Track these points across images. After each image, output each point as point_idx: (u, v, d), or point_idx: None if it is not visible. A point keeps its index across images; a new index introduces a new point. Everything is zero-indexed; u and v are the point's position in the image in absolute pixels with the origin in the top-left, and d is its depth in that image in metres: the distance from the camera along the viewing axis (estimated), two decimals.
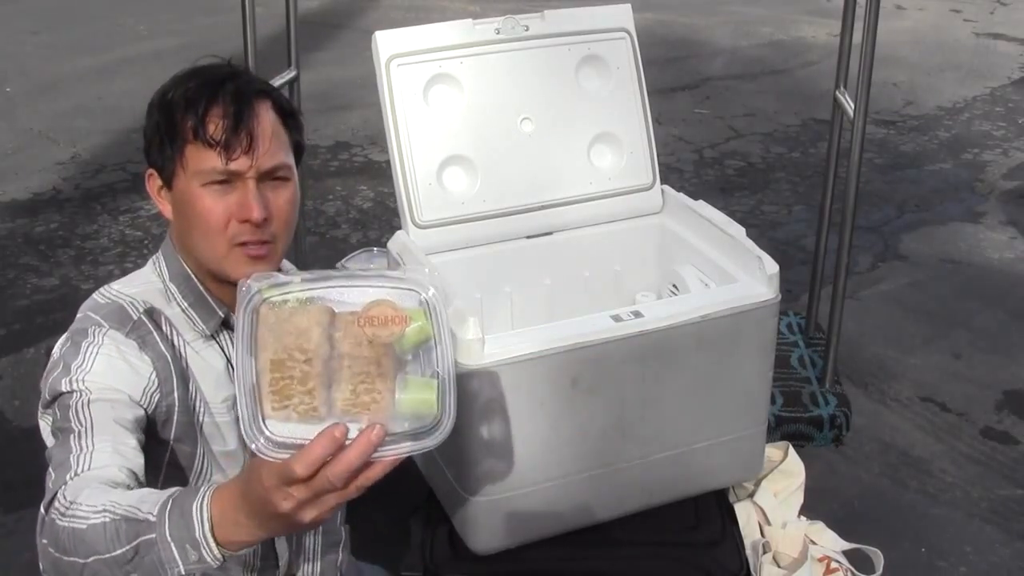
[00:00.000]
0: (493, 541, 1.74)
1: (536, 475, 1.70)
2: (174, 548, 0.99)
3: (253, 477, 0.95)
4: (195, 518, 0.99)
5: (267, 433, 0.93)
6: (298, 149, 1.44)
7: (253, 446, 0.93)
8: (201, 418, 1.40)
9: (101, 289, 1.42)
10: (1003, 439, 3.02)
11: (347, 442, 0.91)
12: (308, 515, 0.95)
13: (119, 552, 1.01)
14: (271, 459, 0.92)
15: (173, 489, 1.05)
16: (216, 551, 0.99)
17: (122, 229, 4.30)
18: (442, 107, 1.93)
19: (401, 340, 0.94)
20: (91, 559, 1.03)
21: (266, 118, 1.37)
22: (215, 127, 1.32)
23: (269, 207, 1.35)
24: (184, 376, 1.38)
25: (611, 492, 1.79)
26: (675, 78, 6.21)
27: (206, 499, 0.99)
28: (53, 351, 1.34)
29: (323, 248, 4.08)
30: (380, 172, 4.79)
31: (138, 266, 1.49)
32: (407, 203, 1.91)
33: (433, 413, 0.95)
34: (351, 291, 0.96)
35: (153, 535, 1.00)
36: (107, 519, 1.03)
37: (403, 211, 1.92)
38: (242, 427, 0.93)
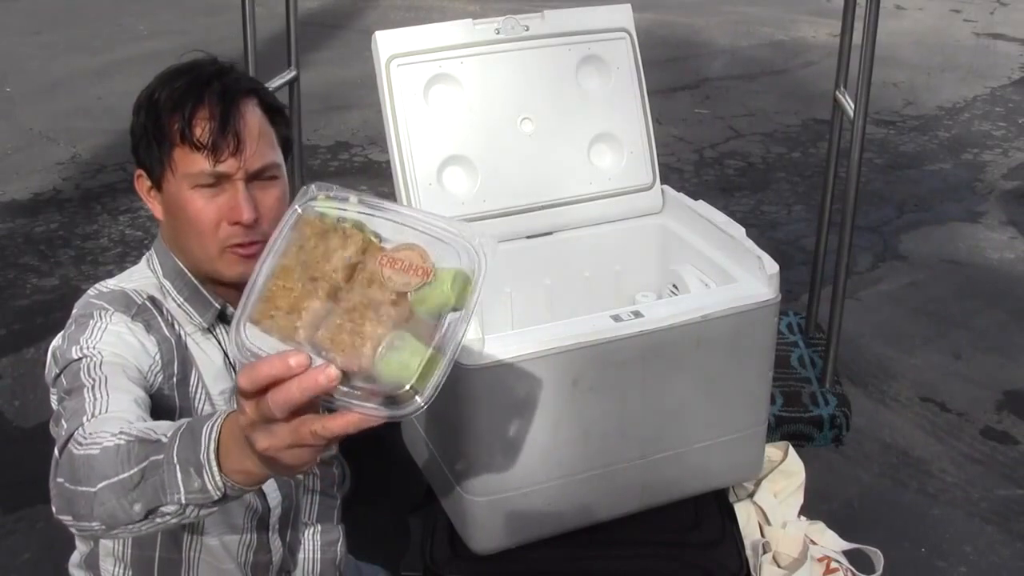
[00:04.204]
0: (493, 541, 1.74)
1: (536, 475, 1.70)
2: (178, 470, 0.95)
3: None
4: (203, 437, 0.94)
5: (242, 335, 0.87)
6: (286, 145, 1.44)
7: (229, 345, 0.88)
8: (201, 406, 1.39)
9: (96, 285, 1.41)
10: (1003, 439, 3.02)
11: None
12: (260, 441, 0.86)
13: (126, 475, 0.99)
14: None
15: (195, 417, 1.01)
16: (218, 477, 0.94)
17: (122, 229, 4.30)
18: (442, 107, 1.93)
19: (421, 296, 0.85)
20: (100, 485, 1.00)
21: (252, 118, 1.36)
22: (202, 130, 1.32)
23: (259, 207, 1.35)
24: (186, 362, 1.38)
25: (611, 492, 1.78)
26: (675, 78, 6.21)
27: (219, 420, 0.95)
28: (54, 342, 1.33)
29: None
30: (380, 172, 4.79)
31: None
32: (407, 203, 1.91)
33: (410, 382, 0.83)
34: (405, 230, 0.87)
35: (161, 456, 0.97)
36: (121, 440, 1.02)
37: None
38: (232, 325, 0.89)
